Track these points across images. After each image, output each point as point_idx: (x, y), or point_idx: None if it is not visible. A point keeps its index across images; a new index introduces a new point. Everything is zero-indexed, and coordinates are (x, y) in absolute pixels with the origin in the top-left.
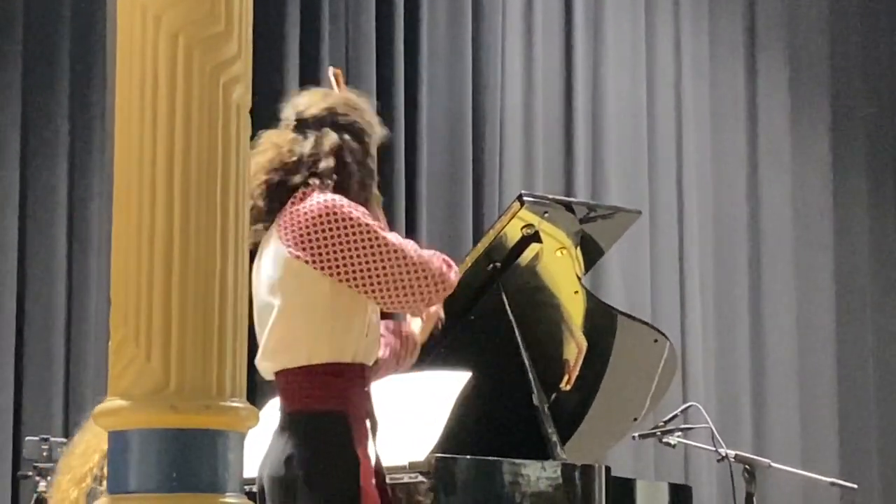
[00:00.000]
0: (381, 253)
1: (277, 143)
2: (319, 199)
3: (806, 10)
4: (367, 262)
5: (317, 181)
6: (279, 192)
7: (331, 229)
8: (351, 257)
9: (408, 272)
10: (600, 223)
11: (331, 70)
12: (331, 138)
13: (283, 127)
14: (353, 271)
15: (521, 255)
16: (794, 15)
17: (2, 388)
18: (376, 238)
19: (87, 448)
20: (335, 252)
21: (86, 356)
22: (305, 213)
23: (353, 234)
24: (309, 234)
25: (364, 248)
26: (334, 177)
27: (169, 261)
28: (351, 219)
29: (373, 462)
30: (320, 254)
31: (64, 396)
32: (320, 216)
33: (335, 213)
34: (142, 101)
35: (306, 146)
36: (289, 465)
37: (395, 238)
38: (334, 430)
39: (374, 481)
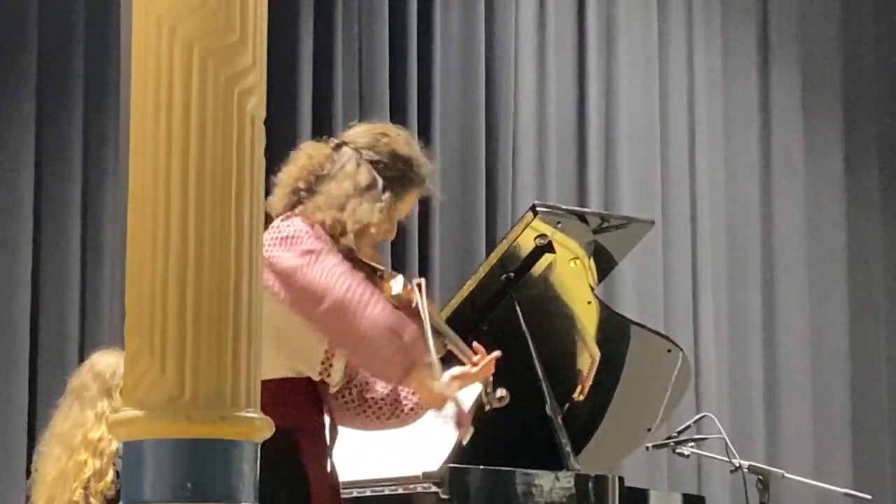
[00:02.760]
0: None
1: (311, 153)
2: (293, 226)
3: (819, 20)
4: None
5: (312, 204)
6: (295, 197)
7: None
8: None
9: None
10: (613, 233)
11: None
12: (352, 165)
13: (324, 141)
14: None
15: (534, 265)
16: (808, 26)
17: (16, 396)
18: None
19: (62, 475)
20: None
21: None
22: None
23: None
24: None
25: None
26: (330, 200)
27: (183, 271)
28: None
29: (327, 473)
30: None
31: None
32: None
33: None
34: (156, 111)
35: (336, 166)
36: None
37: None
38: (283, 449)
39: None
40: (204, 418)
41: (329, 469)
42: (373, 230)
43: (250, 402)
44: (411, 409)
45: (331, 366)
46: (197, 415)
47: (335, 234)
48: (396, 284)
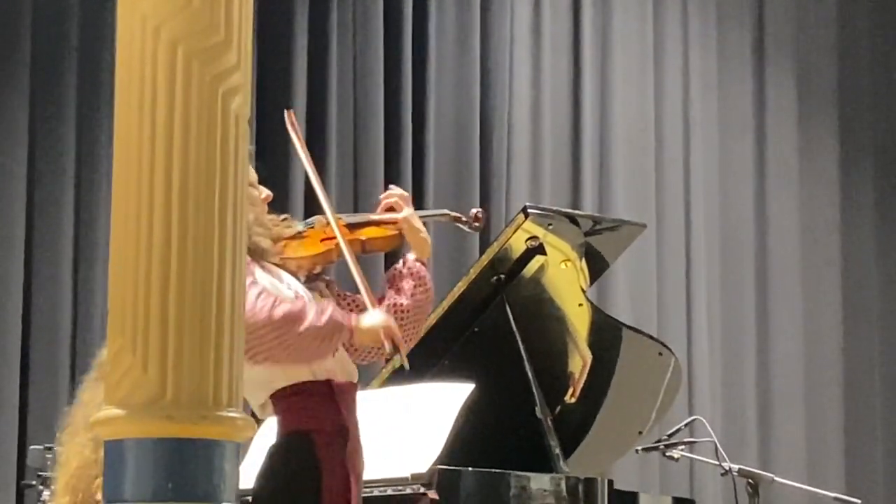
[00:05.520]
0: None
1: None
2: None
3: (814, 25)
4: None
5: None
6: None
7: None
8: None
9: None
10: (605, 236)
11: (286, 114)
12: None
13: None
14: None
15: (525, 267)
16: (803, 30)
17: (7, 398)
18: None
19: (85, 465)
20: None
21: (90, 366)
22: None
23: None
24: None
25: None
26: None
27: (166, 271)
28: None
29: (349, 474)
30: None
31: (68, 406)
32: None
33: None
34: (140, 110)
35: None
36: (257, 482)
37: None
38: (297, 449)
39: (347, 495)
40: (185, 418)
41: (347, 466)
42: (255, 229)
43: (232, 401)
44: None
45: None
46: (178, 414)
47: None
48: (319, 226)
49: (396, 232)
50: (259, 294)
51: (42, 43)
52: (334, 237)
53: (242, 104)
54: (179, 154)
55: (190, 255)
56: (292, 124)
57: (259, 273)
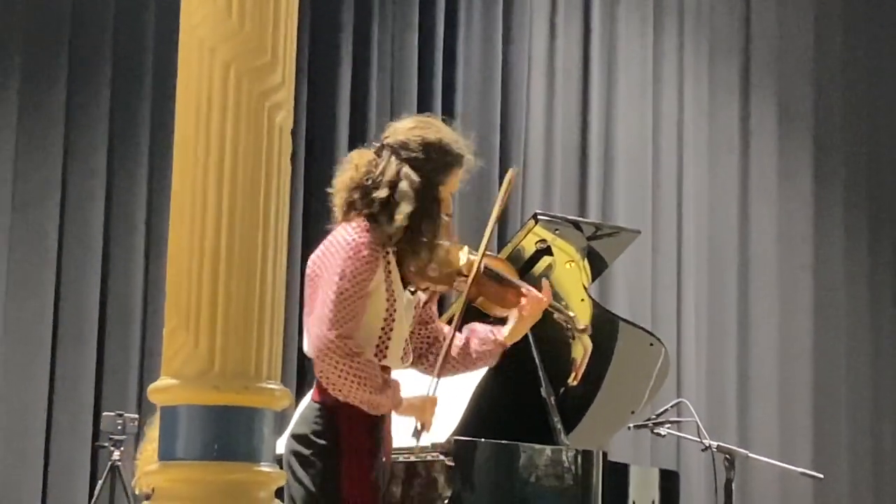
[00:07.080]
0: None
1: (357, 163)
2: (347, 238)
3: (794, 60)
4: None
5: (367, 210)
6: (351, 208)
7: (324, 268)
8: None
9: (323, 350)
10: (605, 240)
11: (510, 172)
12: (392, 169)
13: (370, 146)
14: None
15: (534, 265)
16: (784, 64)
17: (85, 371)
18: (332, 304)
19: None
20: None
21: (157, 344)
22: (330, 243)
23: (333, 286)
24: (322, 261)
25: (327, 296)
26: (381, 206)
27: (216, 261)
28: (340, 278)
29: (375, 453)
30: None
31: (138, 378)
32: (336, 252)
33: (348, 254)
34: (197, 121)
35: (377, 169)
36: (296, 441)
37: (339, 316)
38: (328, 420)
39: (369, 472)
40: (230, 388)
41: (379, 447)
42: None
43: (271, 374)
44: (478, 359)
45: (386, 348)
46: (224, 385)
47: (398, 238)
48: (462, 256)
49: (510, 309)
50: (364, 368)
51: (121, 65)
52: (466, 277)
53: (286, 117)
54: (230, 160)
55: (237, 247)
56: (510, 181)
57: (396, 284)
